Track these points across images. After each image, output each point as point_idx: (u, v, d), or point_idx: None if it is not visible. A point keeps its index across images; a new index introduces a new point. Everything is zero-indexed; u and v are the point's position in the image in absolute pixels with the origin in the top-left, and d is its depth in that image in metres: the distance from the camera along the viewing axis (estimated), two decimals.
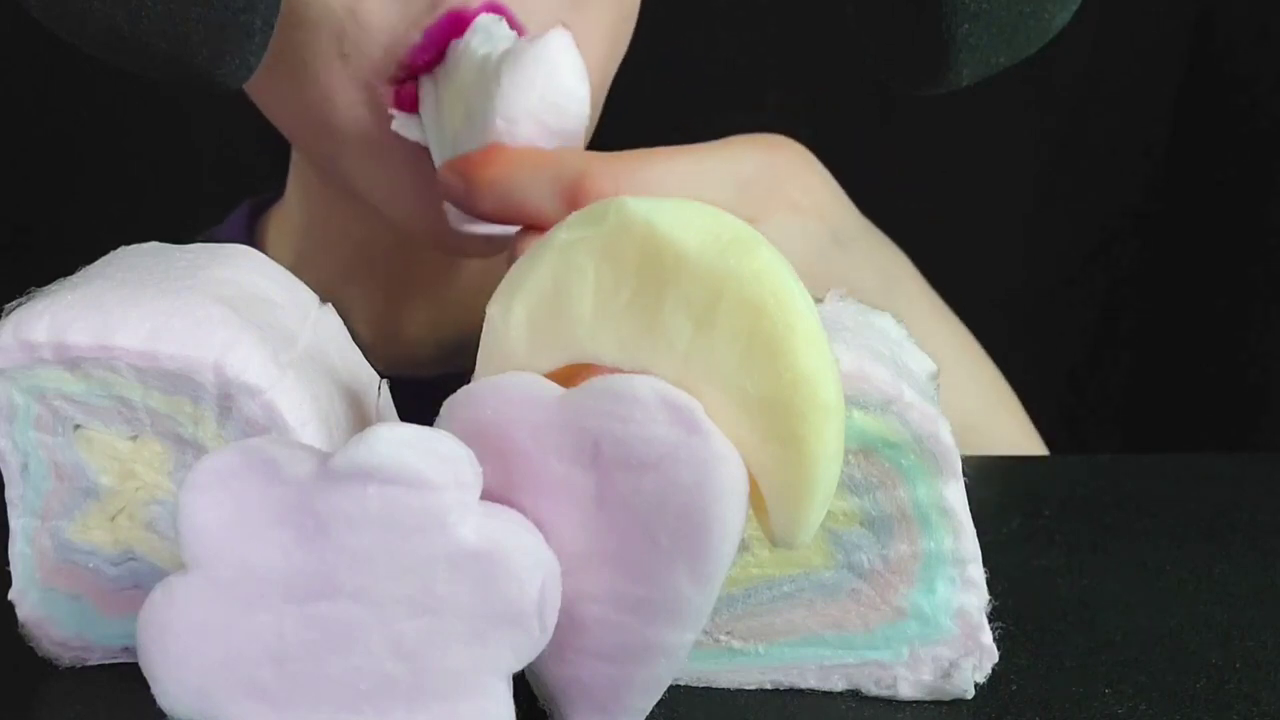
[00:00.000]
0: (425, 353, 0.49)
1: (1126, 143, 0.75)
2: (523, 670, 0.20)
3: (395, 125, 0.37)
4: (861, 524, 0.23)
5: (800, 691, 0.24)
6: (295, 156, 0.50)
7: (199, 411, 0.22)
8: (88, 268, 0.24)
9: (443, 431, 0.20)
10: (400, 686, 0.20)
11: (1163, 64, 0.73)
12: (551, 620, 0.20)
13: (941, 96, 0.36)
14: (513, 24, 0.36)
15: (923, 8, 0.33)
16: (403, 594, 0.19)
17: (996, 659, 0.24)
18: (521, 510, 0.20)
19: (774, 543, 0.20)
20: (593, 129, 0.40)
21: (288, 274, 0.26)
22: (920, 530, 0.23)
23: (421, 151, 0.38)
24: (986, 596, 0.24)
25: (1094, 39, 0.71)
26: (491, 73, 0.34)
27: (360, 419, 0.24)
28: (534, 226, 0.33)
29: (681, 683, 0.24)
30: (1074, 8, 0.35)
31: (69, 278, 0.24)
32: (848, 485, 0.23)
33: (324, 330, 0.25)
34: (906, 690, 0.24)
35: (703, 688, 0.24)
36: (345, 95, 0.38)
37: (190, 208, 0.68)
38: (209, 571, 0.20)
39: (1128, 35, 0.72)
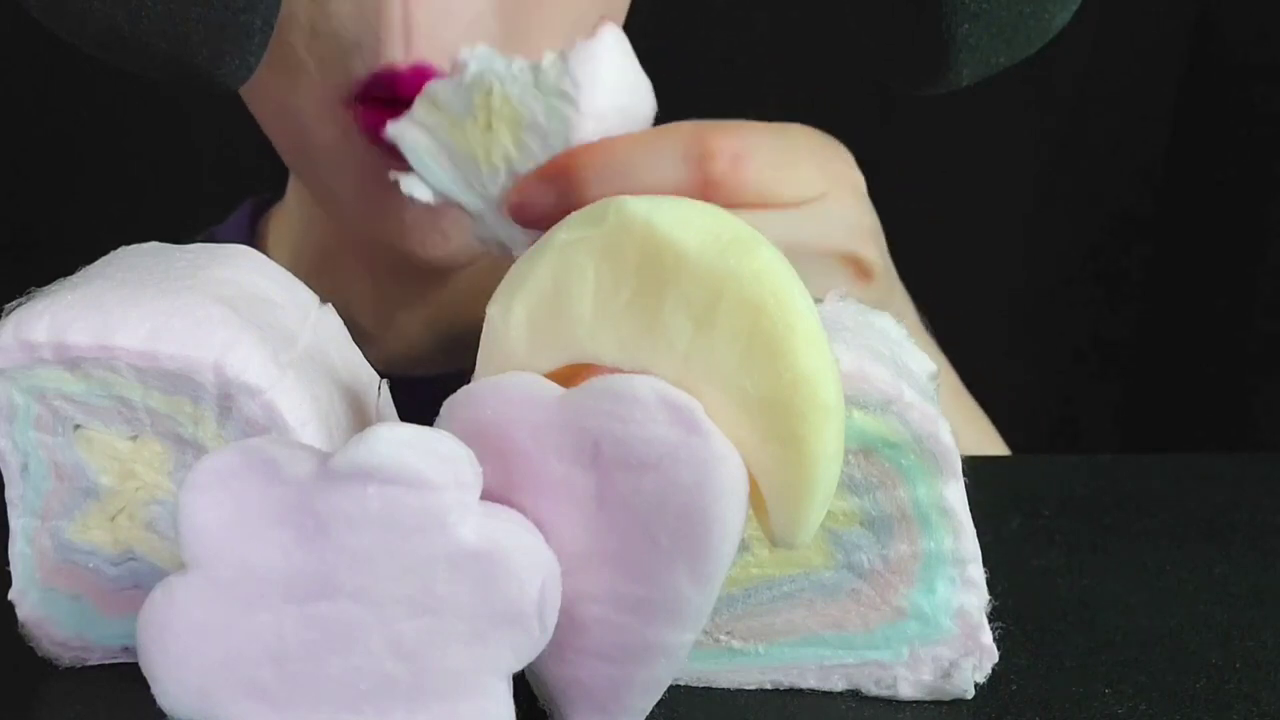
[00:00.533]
0: (425, 352, 0.49)
1: (1126, 143, 0.75)
2: (523, 670, 0.20)
3: (405, 188, 0.36)
4: (861, 524, 0.23)
5: (800, 691, 0.24)
6: None
7: (199, 411, 0.22)
8: (88, 268, 0.24)
9: (443, 431, 0.20)
10: (400, 686, 0.20)
11: (1163, 64, 0.73)
12: (551, 620, 0.20)
13: (941, 96, 0.36)
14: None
15: (923, 8, 0.33)
16: (403, 594, 0.19)
17: (996, 659, 0.24)
18: (521, 510, 0.20)
19: (774, 543, 0.20)
20: None
21: (288, 274, 0.26)
22: (920, 530, 0.23)
23: (376, 162, 0.38)
24: (986, 596, 0.24)
25: (1094, 39, 0.71)
26: (551, 84, 0.34)
27: (360, 419, 0.24)
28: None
29: (681, 683, 0.24)
30: (1074, 8, 0.35)
31: (69, 278, 0.24)
32: (848, 485, 0.23)
33: (324, 330, 0.25)
34: (906, 690, 0.24)
35: (703, 688, 0.24)
36: (309, 108, 0.39)
37: (190, 208, 0.68)
38: (209, 571, 0.20)
39: (1128, 35, 0.72)
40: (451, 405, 0.21)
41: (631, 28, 0.41)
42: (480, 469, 0.20)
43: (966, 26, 0.33)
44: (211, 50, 0.32)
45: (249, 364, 0.22)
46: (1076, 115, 0.74)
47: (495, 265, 0.36)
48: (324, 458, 0.19)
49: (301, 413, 0.22)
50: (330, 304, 0.26)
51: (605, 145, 0.34)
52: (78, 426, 0.23)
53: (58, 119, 0.72)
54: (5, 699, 0.24)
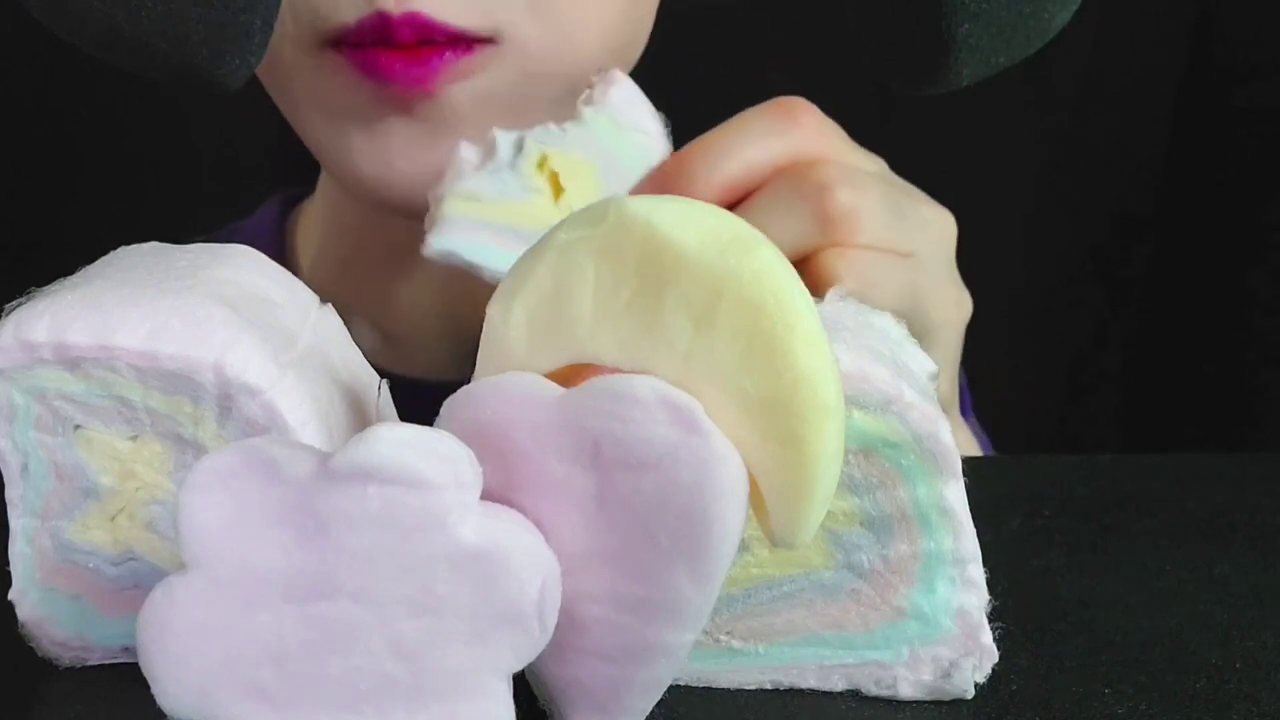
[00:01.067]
0: (449, 356, 0.48)
1: (1126, 143, 0.75)
2: (523, 670, 0.20)
3: (434, 249, 0.35)
4: (861, 524, 0.23)
5: (800, 691, 0.24)
6: None
7: (199, 411, 0.22)
8: (88, 268, 0.24)
9: (443, 431, 0.20)
10: (400, 686, 0.20)
11: (1163, 64, 0.73)
12: (551, 620, 0.20)
13: (941, 96, 0.36)
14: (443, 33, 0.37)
15: (923, 8, 0.33)
16: (403, 594, 0.19)
17: (996, 659, 0.24)
18: (521, 510, 0.20)
19: (774, 543, 0.20)
20: None
21: (288, 274, 0.26)
22: (920, 530, 0.23)
23: (369, 110, 0.38)
24: (986, 596, 0.24)
25: (1094, 39, 0.71)
26: (604, 126, 0.36)
27: (360, 419, 0.24)
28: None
29: (681, 683, 0.24)
30: (1074, 8, 0.35)
31: (69, 278, 0.24)
32: (848, 485, 0.23)
33: (324, 330, 0.25)
34: (906, 690, 0.24)
35: (703, 688, 0.24)
36: (286, 49, 0.39)
37: (190, 208, 0.68)
38: (209, 571, 0.20)
39: (1128, 35, 0.72)
40: (451, 405, 0.21)
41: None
42: (480, 469, 0.20)
43: (966, 26, 0.33)
44: (211, 50, 0.31)
45: (249, 364, 0.22)
46: (1076, 115, 0.74)
47: None
48: (324, 458, 0.19)
49: (301, 413, 0.22)
50: (330, 304, 0.26)
51: (702, 144, 0.36)
52: (78, 426, 0.23)
53: (58, 119, 0.72)
54: (5, 699, 0.24)
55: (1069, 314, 0.79)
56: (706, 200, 0.35)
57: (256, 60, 0.33)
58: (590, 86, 0.37)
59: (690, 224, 0.19)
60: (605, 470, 0.20)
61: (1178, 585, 0.29)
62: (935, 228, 0.38)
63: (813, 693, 0.24)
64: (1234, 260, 0.74)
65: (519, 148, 0.35)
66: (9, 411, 0.23)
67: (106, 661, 0.25)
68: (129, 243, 0.26)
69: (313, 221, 0.52)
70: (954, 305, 0.38)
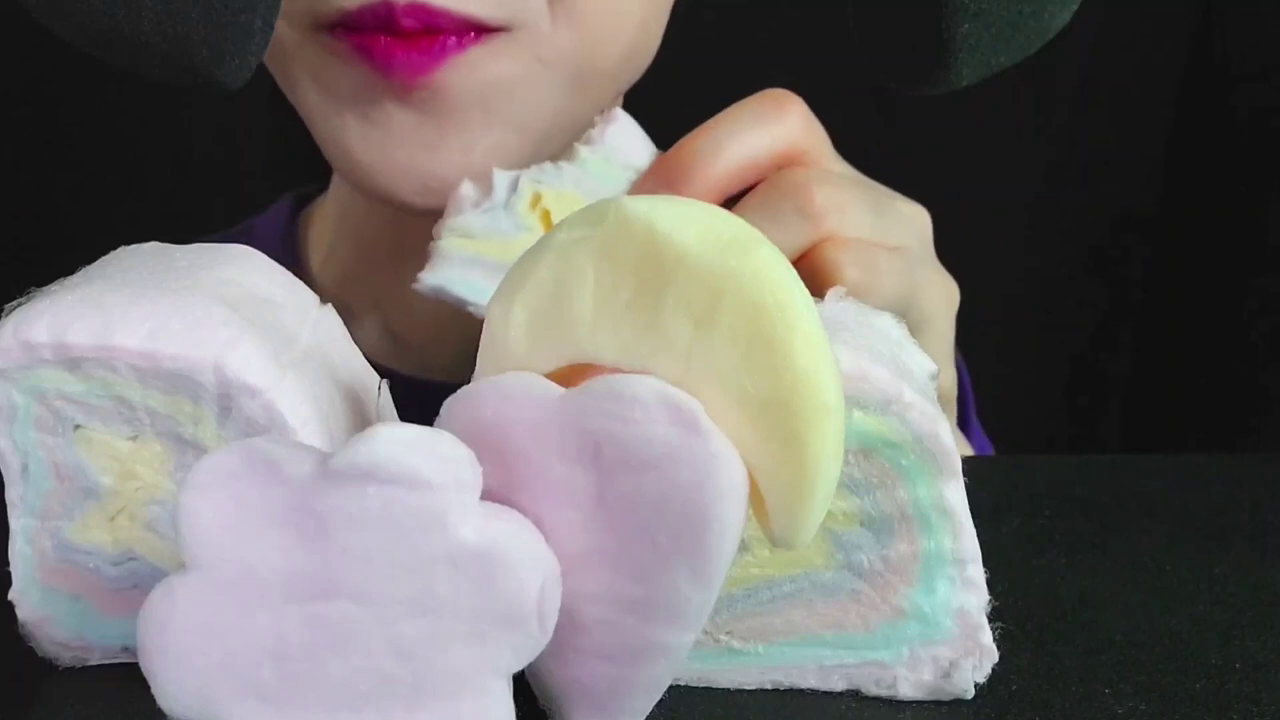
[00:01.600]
0: (458, 358, 0.48)
1: (1127, 143, 0.75)
2: (523, 670, 0.20)
3: (424, 285, 0.36)
4: (861, 524, 0.23)
5: (800, 691, 0.24)
6: None
7: (199, 411, 0.22)
8: (88, 268, 0.24)
9: (443, 431, 0.20)
10: (400, 686, 0.20)
11: (1163, 64, 0.73)
12: (551, 620, 0.20)
13: (942, 97, 0.36)
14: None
15: (923, 8, 0.33)
16: (403, 594, 0.19)
17: (996, 659, 0.24)
18: (521, 510, 0.20)
19: (774, 543, 0.20)
20: None
21: (288, 274, 0.26)
22: (920, 530, 0.23)
23: (368, 97, 0.38)
24: (986, 596, 0.24)
25: (1094, 39, 0.71)
26: (601, 165, 0.36)
27: (360, 419, 0.24)
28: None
29: (681, 683, 0.24)
30: (1074, 7, 0.35)
31: (69, 278, 0.24)
32: (848, 485, 0.23)
33: (324, 330, 0.25)
34: (906, 690, 0.24)
35: (703, 688, 0.24)
36: (289, 32, 0.38)
37: (190, 208, 0.68)
38: (209, 571, 0.20)
39: (1128, 35, 0.72)
40: (451, 405, 0.21)
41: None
42: (480, 469, 0.20)
43: (966, 26, 0.33)
44: (211, 50, 0.31)
45: (249, 364, 0.22)
46: (1077, 115, 0.74)
47: None
48: (324, 458, 0.19)
49: (301, 413, 0.22)
50: (330, 304, 0.26)
51: (695, 138, 0.36)
52: (78, 426, 0.23)
53: (58, 119, 0.72)
54: (5, 699, 0.24)
55: (1069, 314, 0.79)
56: (702, 195, 0.35)
57: (256, 60, 0.33)
58: (592, 125, 0.37)
59: (690, 224, 0.19)
60: (605, 470, 0.20)
61: (1178, 585, 0.29)
62: (915, 221, 0.39)
63: (813, 693, 0.24)
64: (1234, 260, 0.74)
65: (514, 187, 0.35)
66: (9, 411, 0.23)
67: (106, 661, 0.25)
68: (129, 243, 0.26)
69: (324, 219, 0.52)
70: (944, 294, 0.39)
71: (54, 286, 0.23)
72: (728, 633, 0.24)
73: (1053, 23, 0.35)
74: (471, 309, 0.35)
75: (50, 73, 0.68)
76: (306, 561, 0.19)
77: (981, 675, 0.24)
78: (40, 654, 0.25)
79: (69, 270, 0.24)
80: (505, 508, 0.20)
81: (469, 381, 0.21)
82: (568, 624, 0.20)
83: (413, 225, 0.39)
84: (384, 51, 0.36)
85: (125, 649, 0.25)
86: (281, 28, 0.38)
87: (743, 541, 0.23)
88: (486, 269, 0.35)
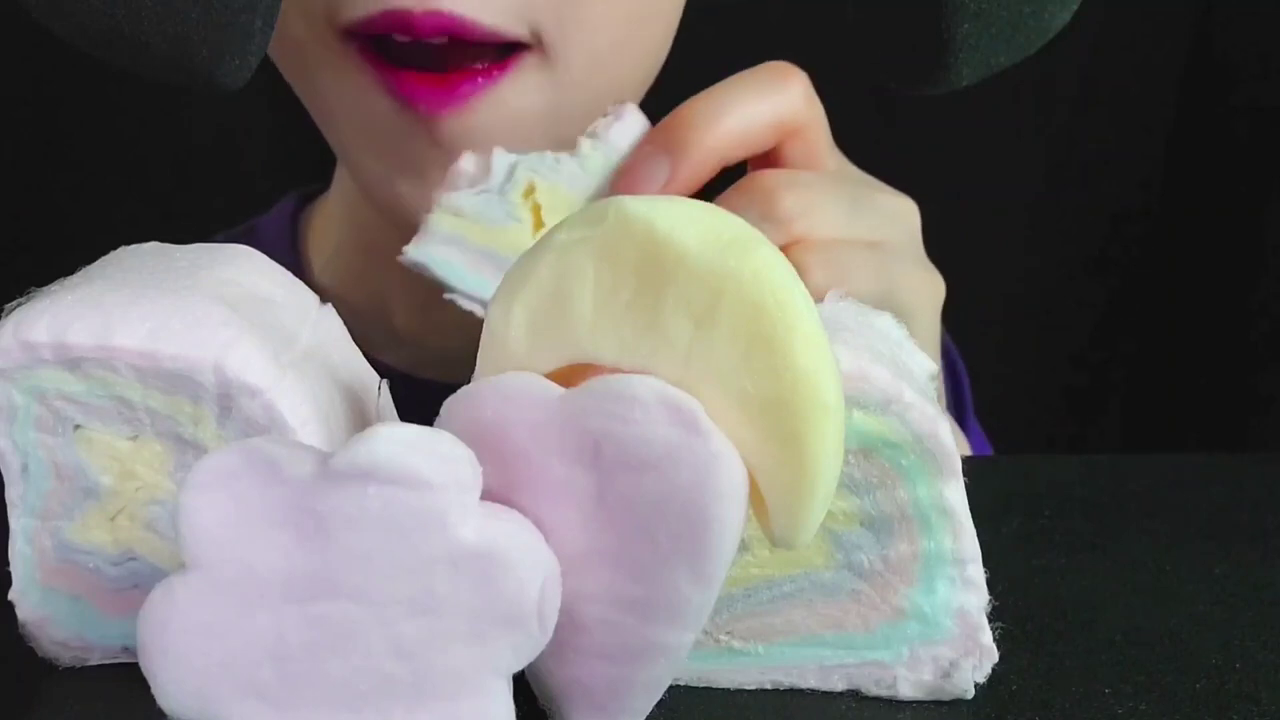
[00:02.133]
0: (461, 357, 0.48)
1: (1126, 143, 0.75)
2: (523, 670, 0.20)
3: (407, 257, 0.36)
4: (861, 524, 0.23)
5: (800, 691, 0.24)
6: None
7: (199, 411, 0.22)
8: (88, 268, 0.24)
9: (443, 431, 0.20)
10: (400, 686, 0.20)
11: (1163, 64, 0.73)
12: (551, 620, 0.20)
13: (942, 97, 0.36)
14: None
15: (923, 8, 0.33)
16: (403, 594, 0.19)
17: (996, 659, 0.24)
18: (521, 510, 0.20)
19: (774, 543, 0.20)
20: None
21: (288, 274, 0.26)
22: (920, 530, 0.23)
23: (391, 123, 0.38)
24: (986, 596, 0.24)
25: (1094, 39, 0.71)
26: (599, 165, 0.36)
27: (360, 419, 0.24)
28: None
29: (681, 683, 0.24)
30: (1074, 8, 0.35)
31: (69, 278, 0.24)
32: (848, 485, 0.23)
33: (324, 330, 0.25)
34: (906, 690, 0.24)
35: (703, 688, 0.24)
36: (310, 39, 0.38)
37: (190, 208, 0.68)
38: (209, 571, 0.20)
39: (1128, 35, 0.72)
40: (451, 405, 0.21)
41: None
42: (480, 469, 0.20)
43: (966, 26, 0.33)
44: (211, 50, 0.31)
45: (249, 364, 0.22)
46: (1077, 115, 0.74)
47: None
48: (324, 458, 0.19)
49: (301, 413, 0.22)
50: (330, 304, 0.26)
51: (690, 108, 0.36)
52: (78, 426, 0.23)
53: (58, 119, 0.72)
54: (5, 699, 0.24)
55: (1069, 314, 0.79)
56: (699, 163, 0.35)
57: (256, 60, 0.33)
58: (605, 114, 0.37)
59: (690, 224, 0.19)
60: (605, 470, 0.20)
61: (1178, 585, 0.29)
62: (898, 215, 0.38)
63: (813, 693, 0.24)
64: (1234, 260, 0.74)
65: (511, 173, 0.35)
66: (9, 411, 0.23)
67: (106, 661, 0.25)
68: (129, 243, 0.26)
69: (326, 220, 0.52)
70: (927, 287, 0.39)
71: (54, 286, 0.23)
72: (728, 633, 0.24)
73: (1053, 23, 0.35)
74: (449, 292, 0.35)
75: (50, 73, 0.68)
76: (306, 561, 0.19)
77: (981, 675, 0.24)
78: (40, 654, 0.25)
79: (69, 270, 0.24)
80: (505, 508, 0.20)
81: (469, 381, 0.21)
82: (568, 624, 0.20)
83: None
84: (409, 88, 0.37)
85: (125, 649, 0.25)
86: (301, 31, 0.38)
87: (743, 541, 0.23)
88: (470, 253, 0.35)
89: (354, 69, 0.38)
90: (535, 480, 0.20)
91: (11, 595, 0.24)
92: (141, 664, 0.20)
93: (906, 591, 0.23)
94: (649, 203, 0.20)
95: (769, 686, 0.24)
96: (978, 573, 0.23)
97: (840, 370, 0.20)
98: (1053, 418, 0.80)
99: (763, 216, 0.35)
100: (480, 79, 0.37)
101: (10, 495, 0.24)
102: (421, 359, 0.47)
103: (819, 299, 0.25)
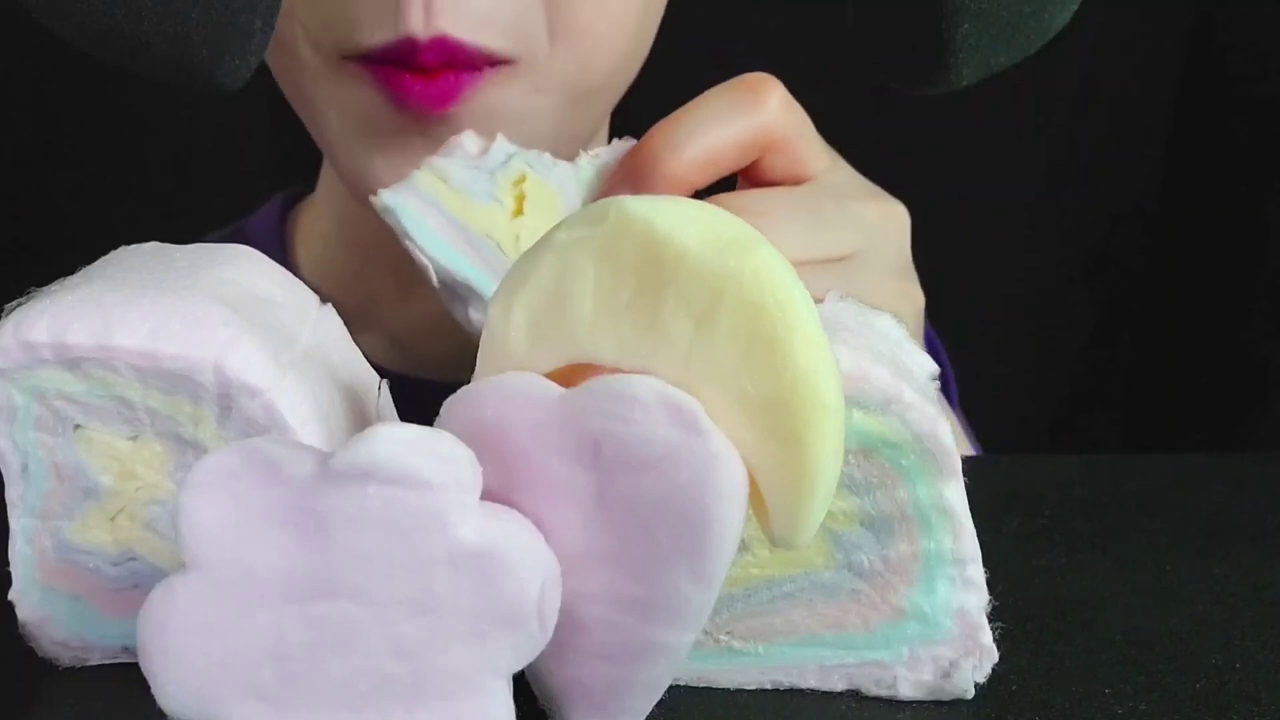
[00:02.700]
0: (449, 356, 0.48)
1: (1127, 142, 0.75)
2: (523, 670, 0.20)
3: (381, 200, 0.35)
4: (861, 524, 0.23)
5: (800, 691, 0.24)
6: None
7: (199, 411, 0.22)
8: (88, 268, 0.24)
9: (443, 431, 0.20)
10: (400, 686, 0.20)
11: (1163, 64, 0.73)
12: (551, 620, 0.20)
13: (942, 96, 0.36)
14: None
15: (923, 8, 0.33)
16: (403, 594, 0.19)
17: (996, 659, 0.24)
18: (521, 510, 0.20)
19: (774, 543, 0.20)
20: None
21: (288, 274, 0.26)
22: (920, 530, 0.23)
23: (388, 126, 0.38)
24: (986, 596, 0.24)
25: (1094, 39, 0.71)
26: (592, 181, 0.36)
27: (360, 419, 0.24)
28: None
29: (681, 683, 0.24)
30: (1074, 8, 0.35)
31: (69, 278, 0.24)
32: (848, 485, 0.23)
33: (324, 330, 0.25)
34: (906, 690, 0.24)
35: (703, 688, 0.24)
36: (315, 60, 0.39)
37: (190, 208, 0.68)
38: (209, 572, 0.20)
39: (1128, 35, 0.72)
40: (451, 405, 0.21)
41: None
42: (480, 469, 0.20)
43: (966, 26, 0.33)
44: (211, 50, 0.31)
45: (249, 364, 0.22)
46: (1077, 115, 0.74)
47: None
48: (324, 458, 0.19)
49: (301, 413, 0.22)
50: (330, 304, 0.26)
51: (670, 123, 0.36)
52: (78, 426, 0.23)
53: (58, 119, 0.72)
54: (5, 699, 0.24)
55: (1069, 314, 0.79)
56: (673, 184, 0.35)
57: (256, 60, 0.33)
58: (608, 142, 0.37)
59: (690, 224, 0.19)
60: (605, 470, 0.20)
61: (1178, 585, 0.29)
62: (875, 225, 0.37)
63: (813, 693, 0.24)
64: (1234, 260, 0.74)
65: (507, 161, 0.35)
66: (9, 411, 0.23)
67: (106, 661, 0.25)
68: (129, 243, 0.26)
69: (313, 222, 0.52)
70: (901, 300, 0.38)
71: (54, 286, 0.23)
72: (728, 633, 0.24)
73: (1053, 23, 0.35)
74: (412, 249, 0.35)
75: (50, 73, 0.68)
76: (306, 561, 0.19)
77: (981, 675, 0.24)
78: (40, 654, 0.25)
79: (69, 270, 0.24)
80: (505, 508, 0.20)
81: (461, 381, 0.21)
82: (568, 624, 0.20)
83: None
84: (407, 87, 0.37)
85: (125, 649, 0.25)
86: (306, 53, 0.39)
87: (743, 541, 0.23)
88: (444, 218, 0.35)
89: (348, 75, 0.39)
90: (535, 480, 0.20)
91: (11, 595, 0.24)
92: (141, 664, 0.20)
93: (906, 591, 0.23)
94: (649, 203, 0.20)
95: (769, 686, 0.24)
96: (978, 573, 0.23)
97: (840, 370, 0.20)
98: (1053, 418, 0.80)
99: None
100: (466, 76, 0.38)
101: (10, 495, 0.24)
102: (414, 361, 0.48)
103: None
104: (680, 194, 0.35)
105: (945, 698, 0.24)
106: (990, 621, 0.24)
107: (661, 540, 0.20)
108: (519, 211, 0.35)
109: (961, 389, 0.53)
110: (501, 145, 0.36)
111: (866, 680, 0.24)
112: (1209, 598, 0.28)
